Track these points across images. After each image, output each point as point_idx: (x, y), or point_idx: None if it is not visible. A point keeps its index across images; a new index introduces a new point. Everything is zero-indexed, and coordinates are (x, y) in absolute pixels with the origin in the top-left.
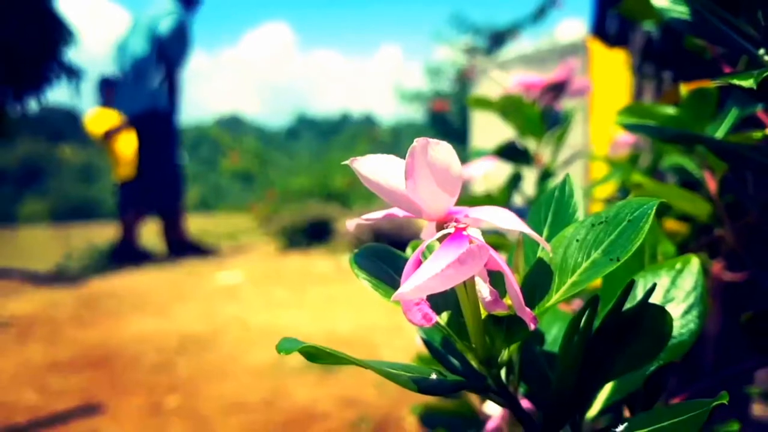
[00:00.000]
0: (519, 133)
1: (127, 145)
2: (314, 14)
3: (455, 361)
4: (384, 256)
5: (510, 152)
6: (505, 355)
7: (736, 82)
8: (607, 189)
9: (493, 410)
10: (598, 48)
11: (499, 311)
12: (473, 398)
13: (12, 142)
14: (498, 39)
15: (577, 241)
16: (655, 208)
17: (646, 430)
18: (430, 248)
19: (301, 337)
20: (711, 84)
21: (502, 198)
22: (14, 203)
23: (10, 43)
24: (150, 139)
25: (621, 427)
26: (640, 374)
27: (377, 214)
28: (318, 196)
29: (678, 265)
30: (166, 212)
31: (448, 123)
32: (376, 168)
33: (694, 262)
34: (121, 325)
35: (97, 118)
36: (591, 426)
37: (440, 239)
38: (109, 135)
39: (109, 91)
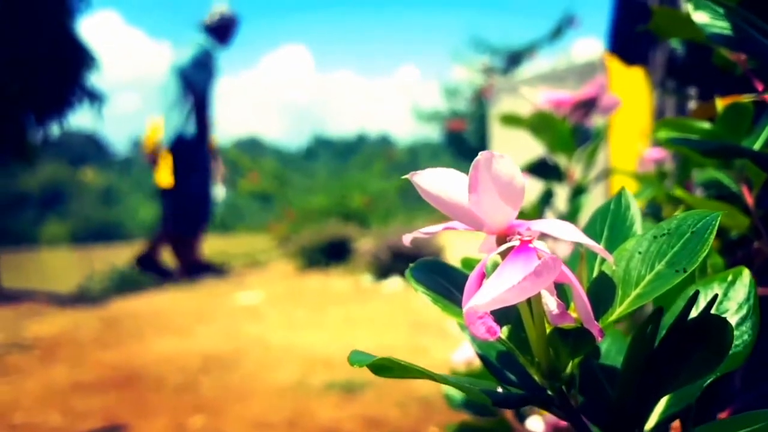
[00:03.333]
0: (549, 149)
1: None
2: (332, 36)
3: (513, 377)
4: (440, 270)
5: (541, 169)
6: (568, 369)
7: None
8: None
9: (535, 427)
10: (616, 66)
11: (566, 324)
12: (509, 416)
13: (34, 166)
14: (515, 59)
15: (640, 253)
16: (718, 219)
17: None
18: (493, 263)
19: (322, 357)
20: (747, 98)
21: (533, 214)
22: (36, 226)
23: (34, 69)
24: (177, 165)
25: None
26: (697, 386)
27: (436, 228)
28: (336, 216)
29: (730, 277)
30: (182, 234)
31: (465, 142)
32: (436, 181)
33: (746, 274)
34: (144, 346)
35: (157, 131)
36: None
37: (503, 253)
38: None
39: None
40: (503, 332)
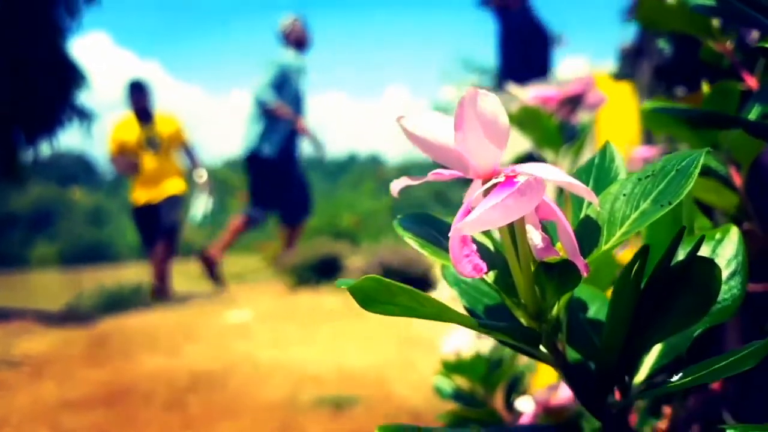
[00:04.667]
0: (536, 145)
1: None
2: (323, 58)
3: (502, 323)
4: (428, 220)
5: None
6: (554, 310)
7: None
8: None
9: (525, 407)
10: (602, 81)
11: (552, 257)
12: (498, 406)
13: (24, 186)
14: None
15: (624, 195)
16: (703, 155)
17: (704, 372)
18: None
19: (312, 373)
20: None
21: None
22: (25, 247)
23: (25, 88)
24: (250, 178)
25: (677, 377)
26: (686, 336)
27: (423, 177)
28: (327, 235)
29: (718, 235)
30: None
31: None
32: (423, 124)
33: (734, 231)
34: (133, 364)
35: (122, 128)
36: (639, 388)
37: (489, 191)
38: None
39: (140, 97)
40: (489, 277)
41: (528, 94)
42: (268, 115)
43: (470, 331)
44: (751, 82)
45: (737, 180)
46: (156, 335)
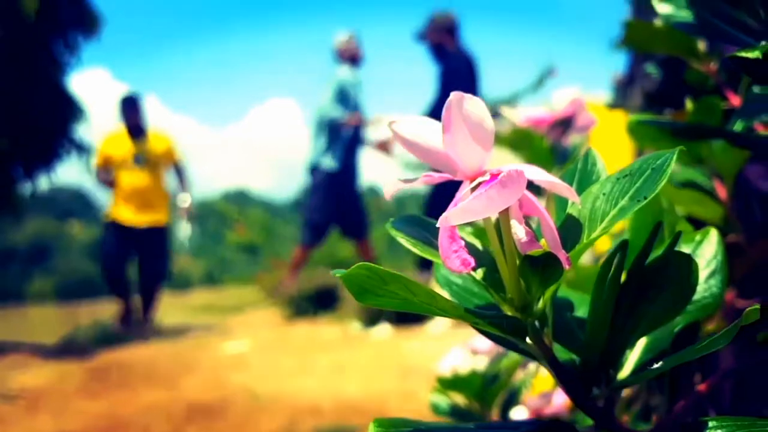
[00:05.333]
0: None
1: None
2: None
3: (489, 312)
4: (420, 222)
5: None
6: (540, 303)
7: (743, 54)
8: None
9: (519, 416)
10: (596, 110)
11: (535, 251)
12: (494, 419)
13: (21, 220)
14: (497, 109)
15: (604, 194)
16: (676, 153)
17: (680, 353)
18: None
19: (310, 404)
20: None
21: None
22: (23, 281)
23: (24, 121)
24: (311, 191)
25: (658, 364)
26: (668, 331)
27: (416, 178)
28: (324, 265)
29: (698, 237)
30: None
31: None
32: (413, 128)
33: (713, 233)
34: (130, 396)
35: (111, 142)
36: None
37: (474, 188)
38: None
39: (133, 112)
40: (478, 274)
41: (520, 116)
42: (329, 129)
43: (466, 350)
44: (735, 100)
45: (722, 193)
46: (153, 367)
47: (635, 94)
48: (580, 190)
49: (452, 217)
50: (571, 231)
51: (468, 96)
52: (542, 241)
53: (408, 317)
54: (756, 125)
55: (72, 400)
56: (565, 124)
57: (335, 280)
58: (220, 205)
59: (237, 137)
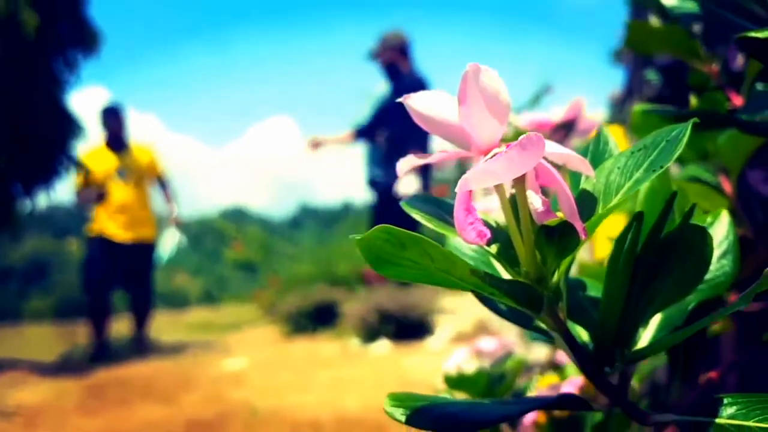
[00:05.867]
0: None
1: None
2: (319, 108)
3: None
4: (434, 201)
5: None
6: (555, 277)
7: (753, 34)
8: (617, 226)
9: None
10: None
11: (552, 220)
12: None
13: (19, 238)
14: None
15: (618, 168)
16: (690, 125)
17: (687, 329)
18: None
19: (310, 420)
20: None
21: None
22: (20, 300)
23: (24, 139)
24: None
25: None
26: (682, 309)
27: (429, 155)
28: (323, 282)
29: (709, 219)
30: None
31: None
32: (429, 103)
33: (724, 215)
34: (128, 413)
35: (92, 157)
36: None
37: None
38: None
39: (115, 123)
40: (492, 249)
41: (522, 120)
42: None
43: (471, 351)
44: (737, 100)
45: (727, 187)
46: (151, 384)
47: (634, 105)
48: (593, 168)
49: (472, 179)
50: (586, 204)
51: (484, 67)
52: (558, 213)
53: (407, 333)
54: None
55: (70, 417)
56: (566, 127)
57: (334, 297)
58: (219, 223)
59: (235, 155)
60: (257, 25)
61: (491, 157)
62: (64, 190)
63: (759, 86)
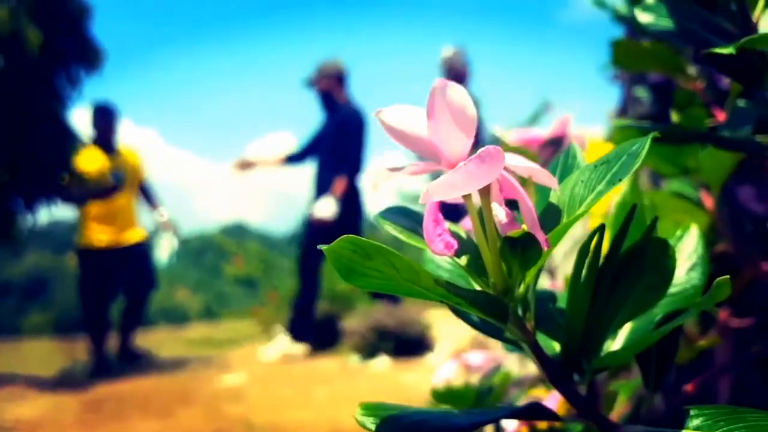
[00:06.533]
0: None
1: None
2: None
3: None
4: (407, 212)
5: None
6: (521, 287)
7: (718, 51)
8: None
9: (509, 425)
10: (592, 143)
11: (515, 231)
12: None
13: (20, 253)
14: (495, 141)
15: (582, 181)
16: (650, 138)
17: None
18: None
19: None
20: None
21: None
22: (19, 315)
23: (25, 153)
24: None
25: (619, 345)
26: (649, 320)
27: (402, 167)
28: (322, 298)
29: (679, 232)
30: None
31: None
32: (399, 117)
33: (693, 228)
34: (126, 428)
35: (84, 159)
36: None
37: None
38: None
39: (107, 123)
40: (462, 261)
41: (512, 136)
42: None
43: (459, 364)
44: (721, 116)
45: (708, 203)
46: (149, 399)
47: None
48: (561, 181)
49: (433, 191)
50: (551, 215)
51: (451, 83)
52: (524, 225)
53: (407, 349)
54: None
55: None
56: (555, 143)
57: (333, 312)
58: (219, 239)
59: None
60: (258, 40)
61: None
62: (63, 209)
63: (740, 103)
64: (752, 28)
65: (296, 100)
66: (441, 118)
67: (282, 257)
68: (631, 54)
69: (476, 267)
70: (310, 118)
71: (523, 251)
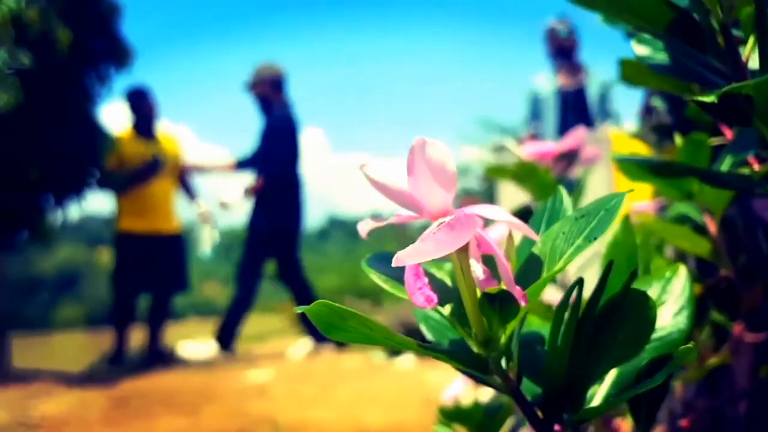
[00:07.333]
0: (534, 198)
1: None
2: (347, 119)
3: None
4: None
5: (525, 214)
6: (503, 339)
7: (699, 99)
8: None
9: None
10: (618, 137)
11: (492, 288)
12: None
13: (51, 249)
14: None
15: (563, 233)
16: (626, 196)
17: (623, 395)
18: None
19: None
20: (715, 141)
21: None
22: (51, 309)
23: (55, 151)
24: None
25: (600, 400)
26: (634, 366)
27: (387, 218)
28: (349, 294)
29: (667, 274)
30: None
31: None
32: (381, 171)
33: (682, 270)
34: (150, 424)
35: (122, 142)
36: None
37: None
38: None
39: (146, 106)
40: (446, 309)
41: (525, 149)
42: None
43: (469, 380)
44: (729, 134)
45: (711, 227)
46: (175, 395)
47: (645, 123)
48: (548, 227)
49: (405, 257)
50: (532, 268)
51: (430, 140)
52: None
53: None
54: (750, 159)
55: (94, 429)
56: (570, 157)
57: (360, 310)
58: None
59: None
60: (285, 37)
61: (424, 236)
62: (96, 201)
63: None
64: (742, 67)
65: (329, 96)
66: (421, 174)
67: (310, 253)
68: (638, 73)
69: (459, 315)
70: (343, 115)
71: (501, 307)
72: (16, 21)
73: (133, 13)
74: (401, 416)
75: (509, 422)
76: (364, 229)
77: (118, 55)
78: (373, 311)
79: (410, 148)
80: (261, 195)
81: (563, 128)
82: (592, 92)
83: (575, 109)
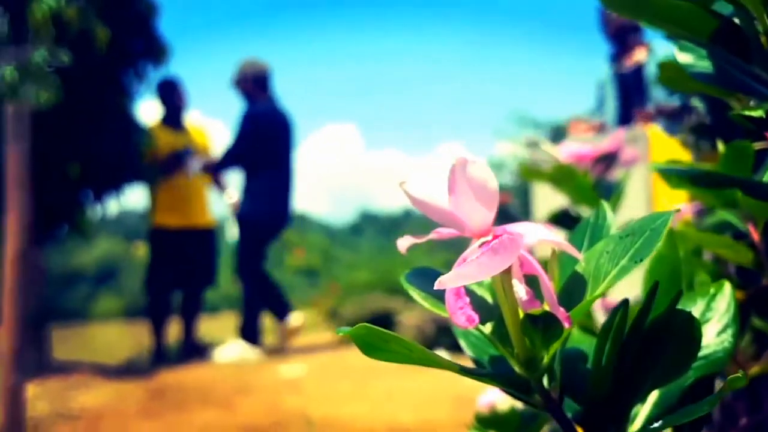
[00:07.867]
0: (572, 201)
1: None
2: (380, 115)
3: (500, 369)
4: (433, 275)
5: (563, 219)
6: (545, 360)
7: (747, 113)
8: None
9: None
10: (656, 135)
11: (535, 309)
12: None
13: (90, 242)
14: (559, 132)
15: (607, 252)
16: (673, 215)
17: (674, 416)
18: None
19: (363, 430)
20: (759, 146)
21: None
22: (90, 301)
23: (94, 147)
24: None
25: (658, 423)
26: (679, 386)
27: (426, 235)
28: (381, 290)
29: (712, 290)
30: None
31: (510, 215)
32: (422, 189)
33: (727, 287)
34: (186, 417)
35: (154, 132)
36: None
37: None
38: (172, 165)
39: (176, 98)
40: (487, 328)
41: (563, 151)
42: None
43: None
44: None
45: (755, 235)
46: (210, 389)
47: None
48: (591, 244)
49: (447, 281)
50: (576, 288)
51: (471, 159)
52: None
53: None
54: None
55: (130, 421)
56: (608, 159)
57: (392, 306)
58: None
59: (298, 161)
60: (327, 31)
61: (466, 258)
62: (134, 196)
63: None
64: None
65: (364, 93)
66: (462, 193)
67: (342, 248)
68: (678, 76)
69: (500, 334)
70: (375, 109)
71: (545, 329)
72: (56, 20)
73: (170, 5)
74: (433, 414)
75: (545, 430)
76: (403, 245)
77: (156, 52)
78: (406, 307)
79: (451, 167)
80: (245, 187)
81: (624, 113)
82: (650, 70)
83: (635, 91)
